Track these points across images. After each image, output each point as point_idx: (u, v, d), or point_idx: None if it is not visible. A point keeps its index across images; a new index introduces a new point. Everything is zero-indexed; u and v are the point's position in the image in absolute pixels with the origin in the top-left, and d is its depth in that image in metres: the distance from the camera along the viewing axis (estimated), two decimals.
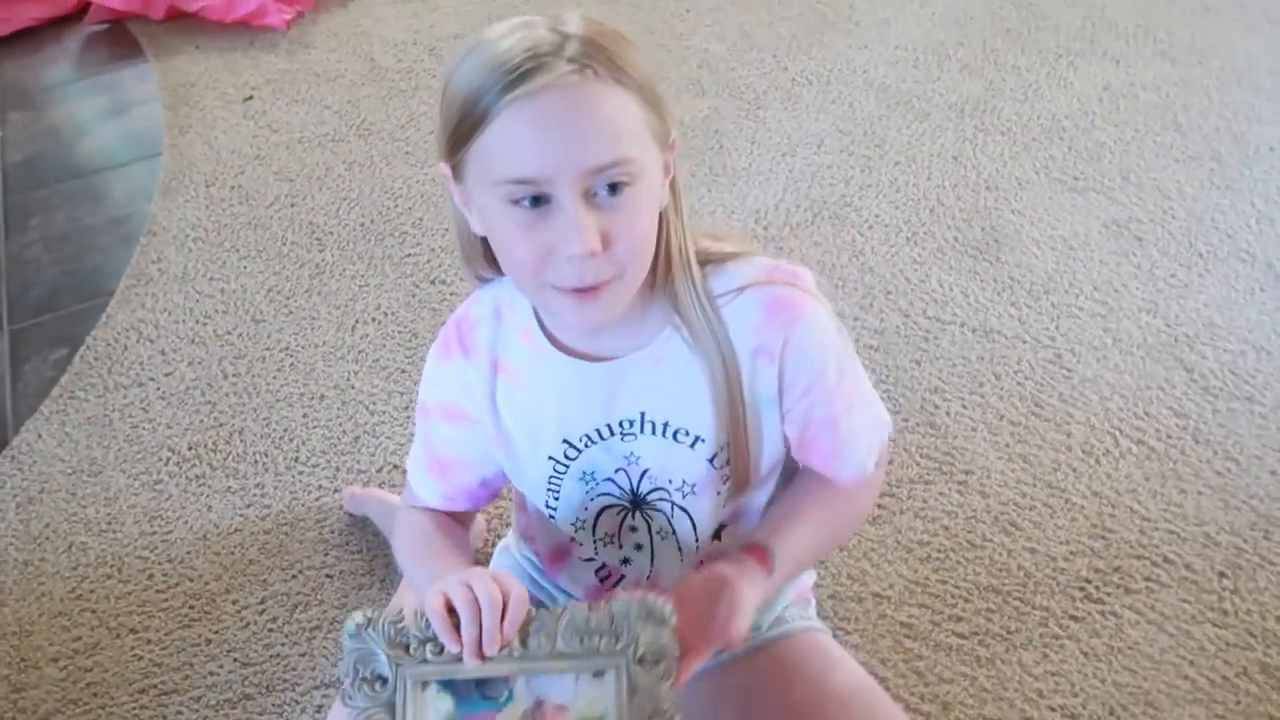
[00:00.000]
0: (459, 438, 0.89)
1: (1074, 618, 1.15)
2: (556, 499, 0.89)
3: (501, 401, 0.86)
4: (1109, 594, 1.16)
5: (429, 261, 1.63)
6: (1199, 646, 1.11)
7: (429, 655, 0.74)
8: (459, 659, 0.74)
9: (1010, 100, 1.81)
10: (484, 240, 0.79)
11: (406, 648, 0.75)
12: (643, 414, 0.83)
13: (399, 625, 0.75)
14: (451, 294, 1.57)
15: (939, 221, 1.61)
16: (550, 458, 0.86)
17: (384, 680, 0.75)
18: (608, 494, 0.88)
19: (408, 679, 0.75)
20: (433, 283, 1.59)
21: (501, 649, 0.73)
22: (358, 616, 0.75)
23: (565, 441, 0.85)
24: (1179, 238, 1.55)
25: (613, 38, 0.73)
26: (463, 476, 0.91)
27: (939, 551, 1.21)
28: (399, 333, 1.52)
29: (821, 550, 0.94)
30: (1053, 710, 1.08)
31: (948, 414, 1.35)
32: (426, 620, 0.74)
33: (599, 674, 0.75)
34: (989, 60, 1.90)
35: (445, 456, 0.90)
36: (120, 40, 2.17)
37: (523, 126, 0.69)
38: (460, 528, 0.97)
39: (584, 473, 0.87)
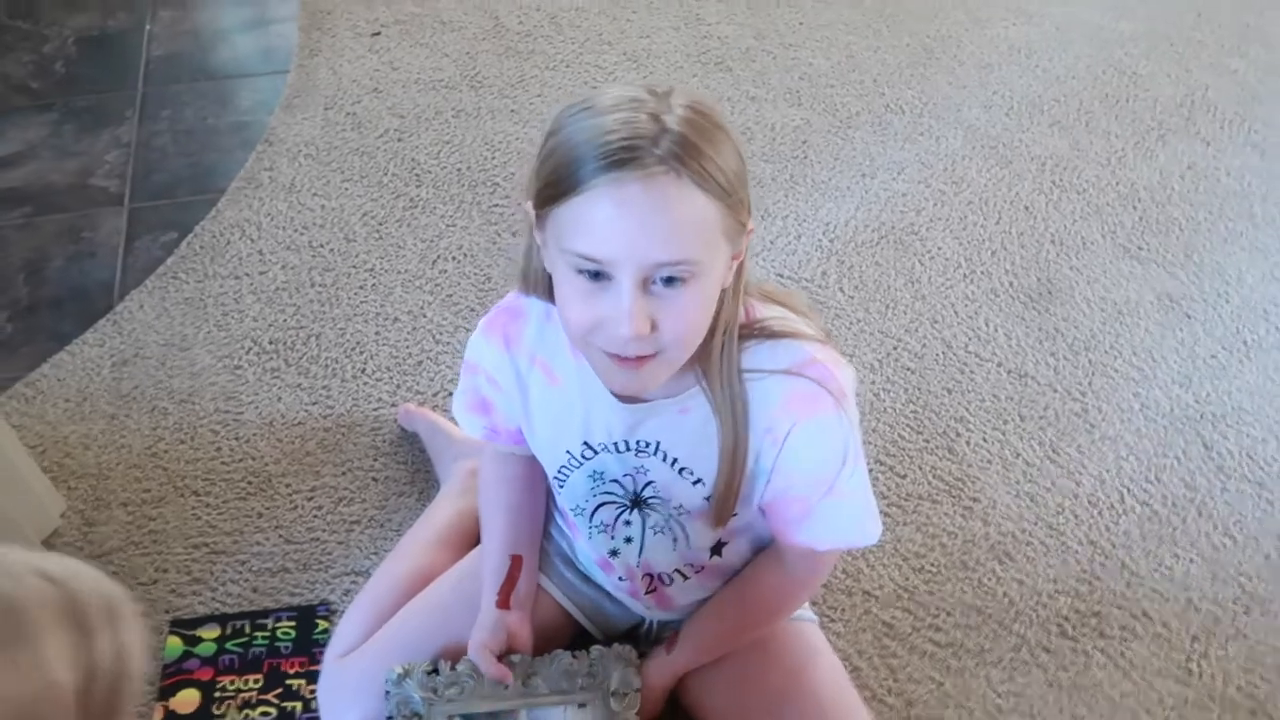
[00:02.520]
0: (497, 395, 0.99)
1: (1046, 649, 1.22)
2: (563, 485, 0.99)
3: (534, 393, 0.95)
4: (1084, 634, 1.23)
5: (513, 215, 1.74)
6: (1159, 699, 1.18)
7: (453, 696, 1.00)
8: (477, 697, 0.99)
9: (1093, 163, 1.86)
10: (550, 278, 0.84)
11: (435, 690, 1.00)
12: (659, 443, 0.91)
13: (431, 673, 1.01)
14: None
15: (998, 264, 1.67)
16: (568, 451, 0.96)
17: (418, 716, 1.00)
18: (611, 493, 0.97)
19: (438, 715, 1.00)
20: (514, 234, 1.70)
21: (509, 688, 0.99)
22: (398, 669, 1.01)
23: (585, 443, 0.94)
24: (1228, 321, 1.60)
25: (709, 135, 0.75)
26: (503, 419, 1.01)
27: (932, 565, 1.29)
28: (475, 274, 1.64)
29: (729, 642, 1.03)
30: None
31: (968, 443, 1.43)
32: (454, 664, 1.01)
33: (582, 705, 1.01)
34: (1081, 121, 1.94)
35: (488, 400, 1.00)
36: None
37: (602, 210, 0.73)
38: (532, 492, 1.08)
39: (595, 471, 0.96)
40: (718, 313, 0.83)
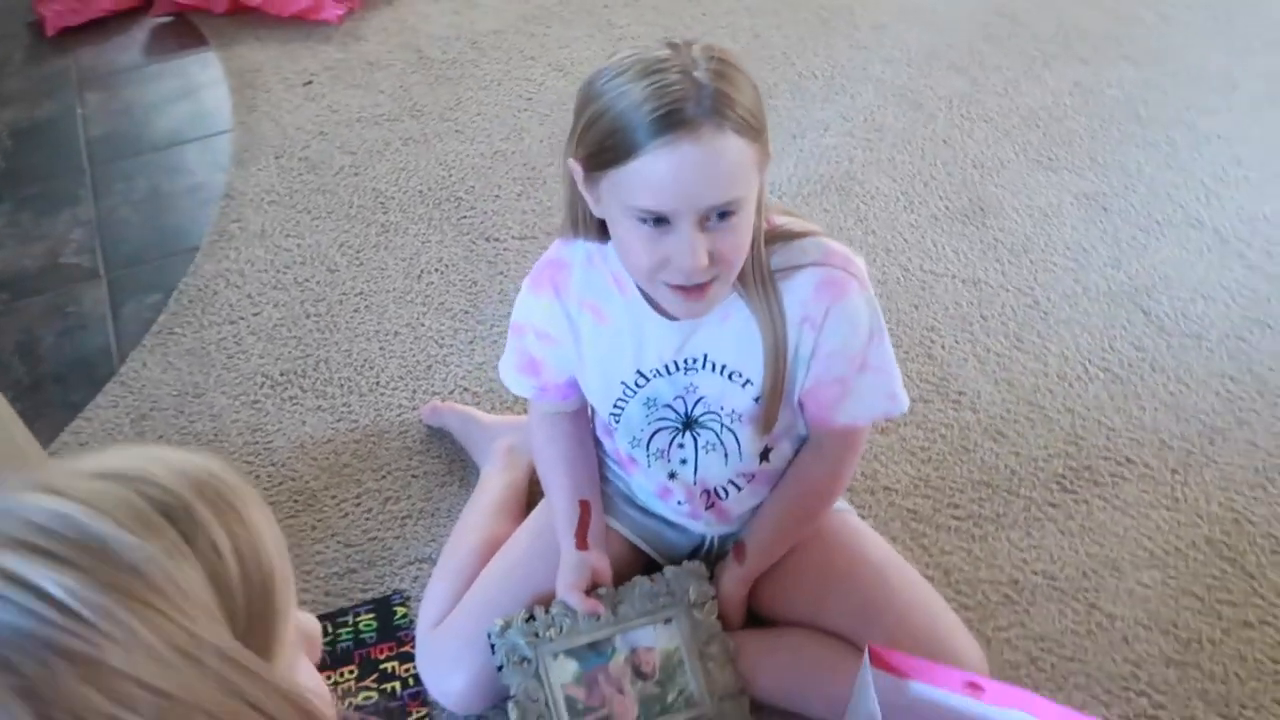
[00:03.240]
0: (548, 350, 1.08)
1: (1052, 504, 1.37)
2: (619, 419, 1.09)
3: (585, 334, 1.04)
4: (1081, 486, 1.38)
5: (483, 222, 1.83)
6: (1155, 526, 1.34)
7: (553, 636, 1.10)
8: (575, 632, 1.09)
9: (993, 94, 2.05)
10: (600, 221, 0.94)
11: (536, 634, 1.10)
12: (706, 355, 1.02)
13: (529, 621, 1.10)
14: (505, 249, 1.78)
15: (932, 193, 1.84)
16: (622, 383, 1.05)
17: (527, 660, 1.09)
18: (664, 418, 1.07)
19: (545, 654, 1.09)
20: (487, 240, 1.80)
21: (601, 618, 1.10)
22: (498, 622, 1.11)
23: (637, 371, 1.04)
24: (1139, 208, 1.79)
25: (734, 79, 0.84)
26: (552, 375, 1.11)
27: (938, 455, 1.43)
28: (460, 281, 1.72)
29: (790, 538, 1.14)
30: (1035, 574, 1.29)
31: (943, 347, 1.57)
32: (546, 608, 1.10)
33: (668, 621, 1.12)
34: (974, 60, 2.14)
35: (538, 358, 1.10)
36: (184, 31, 2.37)
37: (660, 168, 0.82)
38: (584, 445, 1.17)
39: (648, 399, 1.06)
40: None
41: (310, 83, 2.18)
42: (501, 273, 1.73)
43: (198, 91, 2.20)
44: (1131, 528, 1.34)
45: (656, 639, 1.11)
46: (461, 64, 2.21)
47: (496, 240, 1.80)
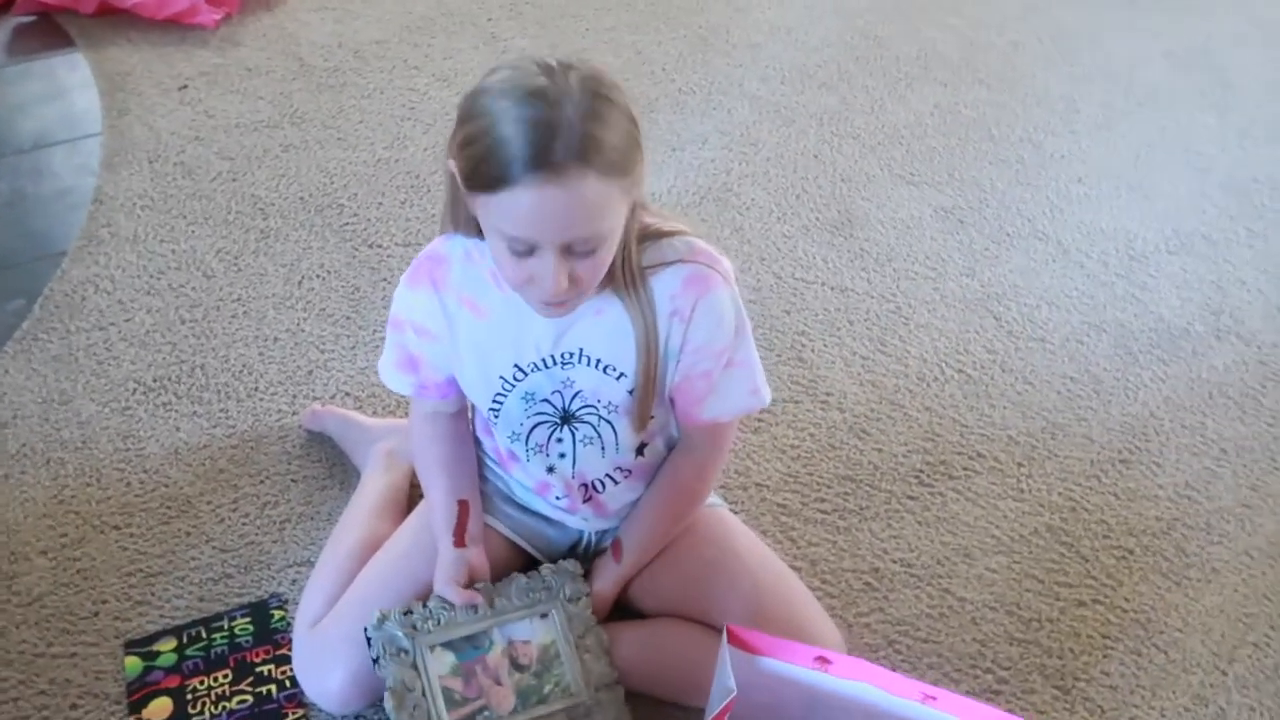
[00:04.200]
0: (426, 346, 1.11)
1: (910, 497, 1.46)
2: (498, 414, 1.12)
3: (463, 329, 1.07)
4: (937, 480, 1.48)
5: (365, 229, 1.83)
6: (1002, 515, 1.44)
7: (431, 629, 1.12)
8: (453, 625, 1.11)
9: (860, 112, 2.16)
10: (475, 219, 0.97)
11: (414, 626, 1.12)
12: (581, 349, 1.06)
13: (406, 614, 1.12)
14: (388, 255, 1.78)
15: (803, 205, 1.93)
16: (500, 377, 1.08)
17: (405, 651, 1.10)
18: (543, 412, 1.11)
19: (422, 645, 1.11)
20: (370, 246, 1.80)
21: (479, 611, 1.12)
22: (375, 614, 1.12)
23: (515, 366, 1.07)
24: (992, 221, 1.92)
25: (605, 118, 0.86)
26: (431, 373, 1.14)
27: (806, 452, 1.51)
28: (342, 287, 1.72)
29: (664, 535, 1.18)
30: (894, 563, 1.37)
31: (812, 351, 1.65)
32: (424, 603, 1.12)
33: (544, 615, 1.16)
34: (843, 80, 2.25)
35: (416, 355, 1.12)
36: (49, 31, 2.29)
37: (525, 206, 0.87)
38: (463, 445, 1.20)
39: (526, 393, 1.10)
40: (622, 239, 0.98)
41: (185, 87, 2.14)
42: (385, 279, 1.74)
43: (65, 94, 2.14)
44: (981, 517, 1.44)
45: (533, 632, 1.14)
46: (344, 72, 2.20)
47: (379, 247, 1.80)
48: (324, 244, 1.80)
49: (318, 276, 1.74)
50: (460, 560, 1.13)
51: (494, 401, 1.11)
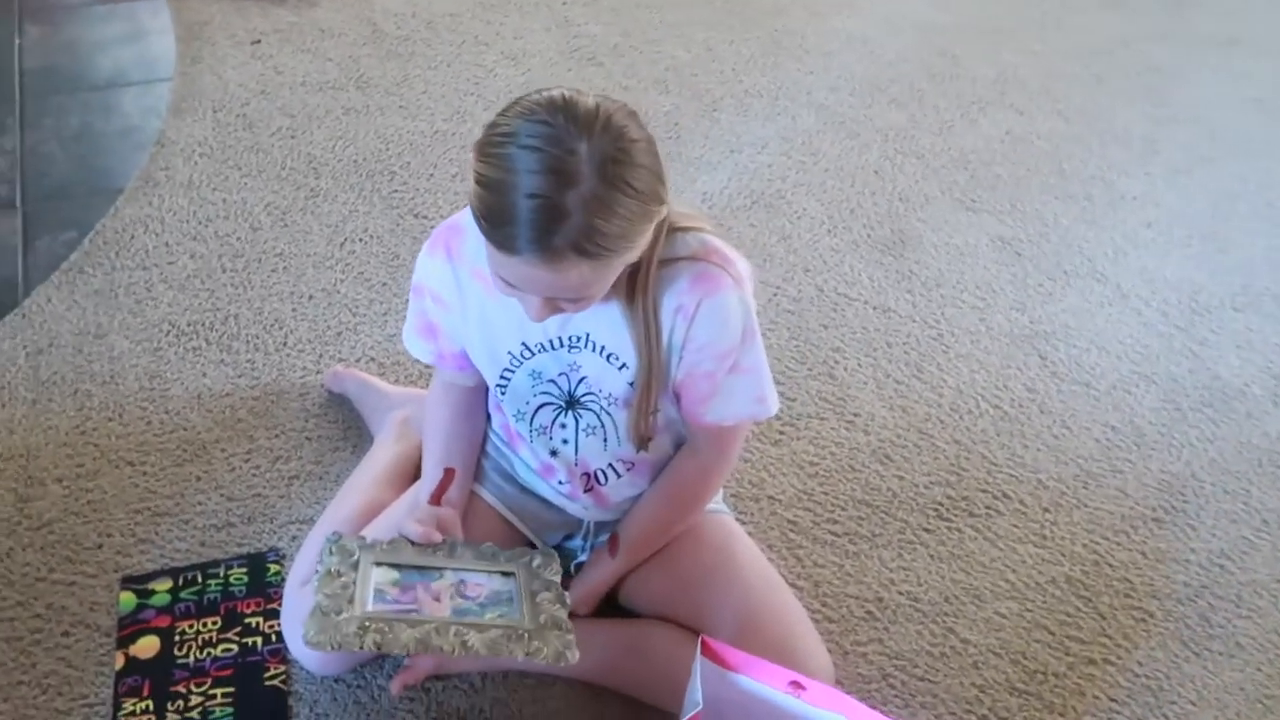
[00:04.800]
0: (442, 315, 1.11)
1: (926, 530, 1.41)
2: (505, 390, 1.11)
3: (472, 301, 1.07)
4: (956, 515, 1.43)
5: (413, 199, 1.84)
6: (1020, 560, 1.38)
7: (384, 549, 1.07)
8: (405, 550, 1.07)
9: (928, 132, 2.11)
10: None
11: (369, 545, 1.07)
12: (588, 334, 1.05)
13: (361, 538, 1.09)
14: (431, 227, 1.75)
15: (856, 220, 1.89)
16: (509, 353, 1.08)
17: (350, 552, 1.06)
18: (548, 393, 1.10)
19: (368, 556, 1.06)
20: (415, 216, 1.80)
21: (436, 551, 1.08)
22: (333, 533, 1.10)
23: (523, 343, 1.07)
24: (1050, 257, 1.85)
25: (612, 205, 0.86)
26: (448, 343, 1.13)
27: (824, 471, 1.47)
28: (383, 253, 1.73)
29: (662, 535, 1.17)
30: (900, 594, 1.33)
31: (845, 369, 1.61)
32: (388, 542, 1.09)
33: (507, 575, 1.09)
34: (914, 98, 2.20)
35: (434, 323, 1.12)
36: None
37: (517, 270, 0.90)
38: (470, 419, 1.19)
39: (533, 371, 1.09)
40: (644, 255, 0.96)
41: (259, 42, 2.17)
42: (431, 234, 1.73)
43: (143, 37, 2.18)
44: (998, 559, 1.38)
45: (488, 582, 1.07)
46: (414, 41, 2.21)
47: (424, 218, 1.80)
48: (370, 209, 1.81)
49: (360, 240, 1.75)
50: (429, 513, 1.12)
51: (501, 377, 1.10)
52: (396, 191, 1.85)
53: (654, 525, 1.17)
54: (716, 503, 1.27)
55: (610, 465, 1.14)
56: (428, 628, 0.97)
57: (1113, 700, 1.24)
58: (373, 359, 1.55)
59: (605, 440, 1.11)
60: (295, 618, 1.15)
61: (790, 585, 1.30)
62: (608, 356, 1.05)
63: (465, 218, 1.05)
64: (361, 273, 1.69)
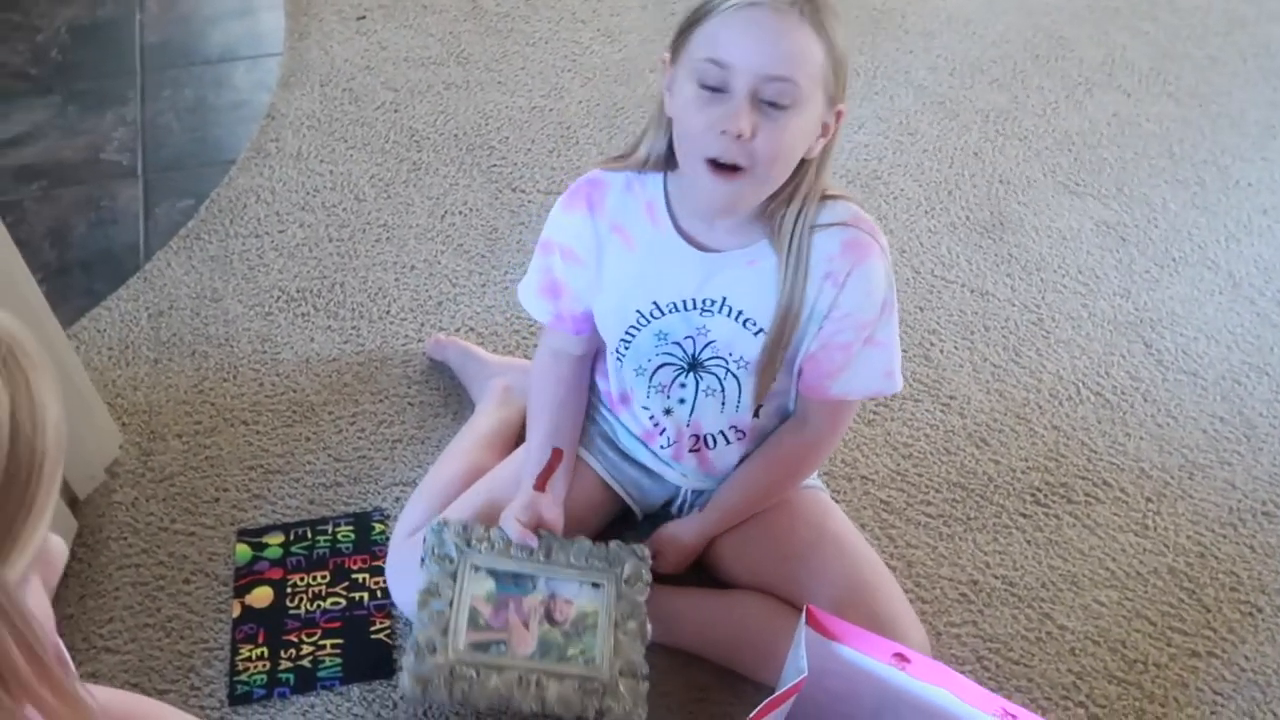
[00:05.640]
0: (571, 272, 1.11)
1: (1023, 514, 1.39)
2: (628, 346, 1.12)
3: (610, 257, 1.07)
4: (1054, 501, 1.41)
5: (511, 173, 1.87)
6: (1121, 549, 1.36)
7: (483, 550, 1.11)
8: (502, 555, 1.11)
9: (1030, 114, 2.06)
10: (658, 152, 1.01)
11: (467, 542, 1.11)
12: (725, 298, 1.04)
13: (464, 528, 1.12)
14: (529, 201, 1.81)
15: (955, 202, 1.86)
16: (637, 311, 1.08)
17: (450, 559, 1.10)
18: (671, 354, 1.10)
19: (467, 561, 1.11)
20: (514, 190, 1.83)
21: (533, 554, 1.10)
22: (438, 520, 1.13)
23: (654, 303, 1.06)
24: (1158, 243, 1.80)
25: (833, 10, 0.92)
26: (571, 303, 1.13)
27: (919, 452, 1.46)
28: (481, 226, 1.76)
29: (758, 502, 1.18)
30: (995, 578, 1.32)
31: (941, 351, 1.60)
32: (486, 526, 1.12)
33: (596, 585, 1.12)
34: (1017, 78, 2.15)
35: (559, 281, 1.12)
36: None
37: (732, 25, 0.90)
38: (578, 392, 1.20)
39: (660, 331, 1.08)
40: (805, 179, 0.97)
41: (364, 18, 2.22)
42: (522, 223, 1.77)
43: (254, 13, 2.25)
44: (1097, 547, 1.36)
45: (578, 595, 1.11)
46: (513, 18, 2.24)
47: (522, 192, 1.83)
48: (470, 182, 1.84)
49: (459, 213, 1.78)
50: (532, 504, 1.13)
51: (626, 334, 1.10)
52: (495, 166, 1.88)
53: (753, 492, 1.18)
54: (812, 479, 1.28)
55: (722, 431, 1.15)
56: (510, 676, 1.05)
57: (1217, 694, 1.22)
58: (471, 329, 1.59)
59: (724, 403, 1.12)
60: (400, 569, 1.19)
61: (885, 563, 1.31)
62: (744, 321, 1.05)
63: (605, 174, 1.06)
64: (461, 244, 1.73)
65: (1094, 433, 1.50)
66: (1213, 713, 1.20)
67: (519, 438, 1.35)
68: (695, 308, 1.05)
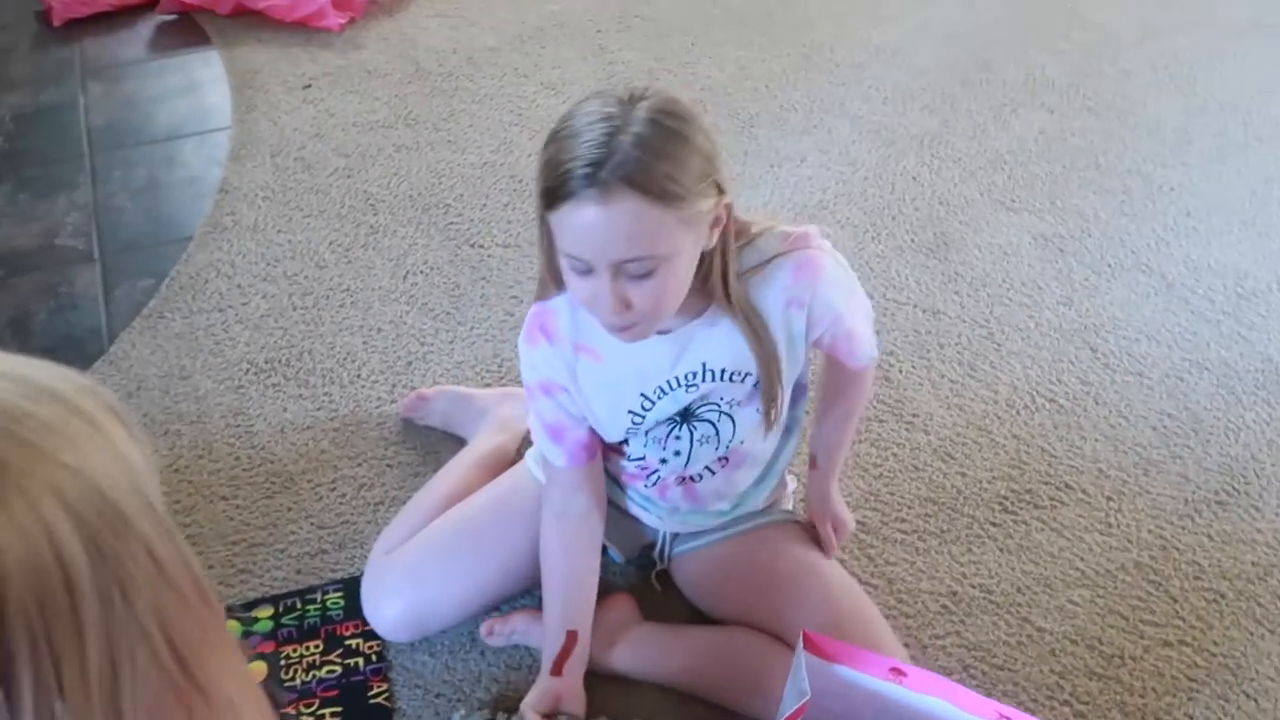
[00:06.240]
0: (558, 405, 1.12)
1: (993, 523, 1.44)
2: (630, 442, 1.14)
3: (584, 375, 1.09)
4: (1021, 508, 1.46)
5: (469, 229, 1.90)
6: (1088, 548, 1.42)
7: None
8: None
9: (962, 136, 2.15)
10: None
11: None
12: (704, 364, 1.07)
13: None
14: (489, 255, 1.85)
15: (899, 226, 1.93)
16: (630, 412, 1.10)
17: None
18: (669, 417, 1.12)
19: None
20: (472, 246, 1.87)
21: None
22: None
23: (641, 395, 1.09)
24: (1093, 251, 1.89)
25: (660, 148, 0.89)
26: (573, 434, 1.14)
27: (889, 472, 1.51)
28: (444, 283, 1.79)
29: (847, 430, 1.26)
30: (973, 587, 1.37)
31: (900, 371, 1.65)
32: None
33: None
34: (946, 103, 2.24)
35: (554, 422, 1.14)
36: (188, 30, 2.43)
37: (574, 222, 0.90)
38: (591, 556, 1.21)
39: (656, 420, 1.11)
40: (714, 262, 0.99)
41: (309, 86, 2.25)
42: (484, 278, 1.80)
43: (199, 88, 2.27)
44: (1066, 548, 1.42)
45: None
46: (457, 77, 2.28)
47: (481, 247, 1.87)
48: (429, 241, 1.87)
49: (421, 272, 1.81)
50: (551, 691, 1.15)
51: (627, 433, 1.13)
52: (452, 223, 1.91)
53: (839, 427, 1.25)
54: (790, 509, 1.32)
55: (708, 466, 1.18)
56: None
57: (1191, 680, 1.27)
58: (443, 388, 1.61)
59: (718, 444, 1.15)
60: (374, 585, 1.23)
61: (864, 584, 1.35)
62: (729, 376, 1.08)
63: (549, 302, 1.07)
64: (425, 303, 1.75)
65: (1052, 438, 1.56)
66: (1189, 698, 1.26)
67: (512, 459, 1.38)
68: (680, 385, 1.08)
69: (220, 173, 2.02)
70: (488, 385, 1.61)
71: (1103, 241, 1.91)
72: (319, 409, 1.58)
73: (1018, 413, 1.60)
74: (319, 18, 2.38)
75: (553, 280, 1.03)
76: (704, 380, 1.08)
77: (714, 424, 1.13)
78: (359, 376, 1.63)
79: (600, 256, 0.92)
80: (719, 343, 1.06)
